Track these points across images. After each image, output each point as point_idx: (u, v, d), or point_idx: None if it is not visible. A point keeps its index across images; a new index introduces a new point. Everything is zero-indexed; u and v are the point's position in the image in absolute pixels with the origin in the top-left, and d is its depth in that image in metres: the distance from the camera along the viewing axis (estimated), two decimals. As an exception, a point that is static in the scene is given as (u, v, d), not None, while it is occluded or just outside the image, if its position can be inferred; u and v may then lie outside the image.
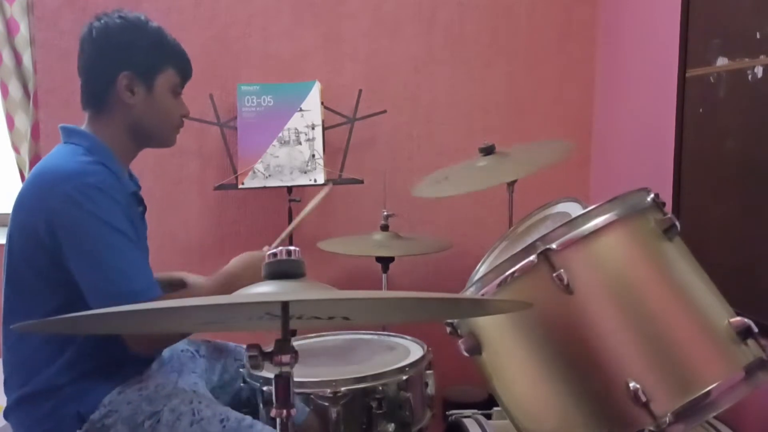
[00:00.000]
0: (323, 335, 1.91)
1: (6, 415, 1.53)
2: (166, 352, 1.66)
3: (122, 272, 1.42)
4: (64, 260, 1.43)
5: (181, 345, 1.74)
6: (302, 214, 1.84)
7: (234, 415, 1.50)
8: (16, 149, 2.50)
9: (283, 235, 1.80)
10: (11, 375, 1.52)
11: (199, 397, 1.53)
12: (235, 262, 1.59)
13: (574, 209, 1.53)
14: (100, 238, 1.42)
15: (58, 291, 1.45)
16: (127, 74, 1.55)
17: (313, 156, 2.33)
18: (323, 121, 2.36)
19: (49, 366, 1.47)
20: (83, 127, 1.58)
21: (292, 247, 1.03)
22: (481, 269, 1.60)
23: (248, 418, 1.51)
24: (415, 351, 1.73)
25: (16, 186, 2.56)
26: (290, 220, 2.36)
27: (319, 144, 2.33)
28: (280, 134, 2.34)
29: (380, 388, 1.55)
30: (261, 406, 1.60)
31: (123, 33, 1.56)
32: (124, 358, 1.49)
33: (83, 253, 1.42)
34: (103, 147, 1.54)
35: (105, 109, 1.57)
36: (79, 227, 1.42)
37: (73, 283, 1.43)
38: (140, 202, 1.63)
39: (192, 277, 1.74)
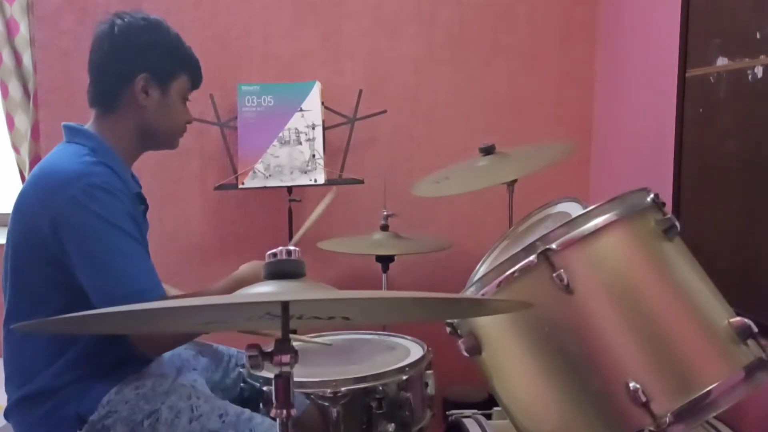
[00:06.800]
0: (323, 335, 1.91)
1: (6, 416, 1.53)
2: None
3: (127, 273, 1.41)
4: (66, 261, 1.42)
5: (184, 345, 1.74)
6: (307, 223, 1.82)
7: (232, 409, 1.50)
8: (16, 149, 2.50)
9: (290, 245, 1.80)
10: (12, 375, 1.52)
11: (197, 392, 1.53)
12: (244, 268, 1.59)
13: (574, 209, 1.53)
14: (106, 239, 1.41)
15: (61, 293, 1.44)
16: (145, 76, 1.54)
17: (314, 156, 2.33)
18: (323, 121, 2.36)
19: (49, 366, 1.46)
20: (88, 125, 1.57)
21: (292, 247, 1.04)
22: (481, 269, 1.60)
23: (247, 411, 1.51)
24: (415, 351, 1.73)
25: (16, 186, 2.56)
26: (290, 220, 2.36)
27: (319, 144, 2.33)
28: (281, 134, 2.34)
29: (380, 388, 1.55)
30: (261, 405, 1.60)
31: (146, 34, 1.56)
32: (125, 359, 1.49)
33: (88, 254, 1.41)
34: (108, 148, 1.53)
35: (115, 108, 1.56)
36: (85, 228, 1.41)
37: (75, 284, 1.42)
38: (143, 200, 1.63)
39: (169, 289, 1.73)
